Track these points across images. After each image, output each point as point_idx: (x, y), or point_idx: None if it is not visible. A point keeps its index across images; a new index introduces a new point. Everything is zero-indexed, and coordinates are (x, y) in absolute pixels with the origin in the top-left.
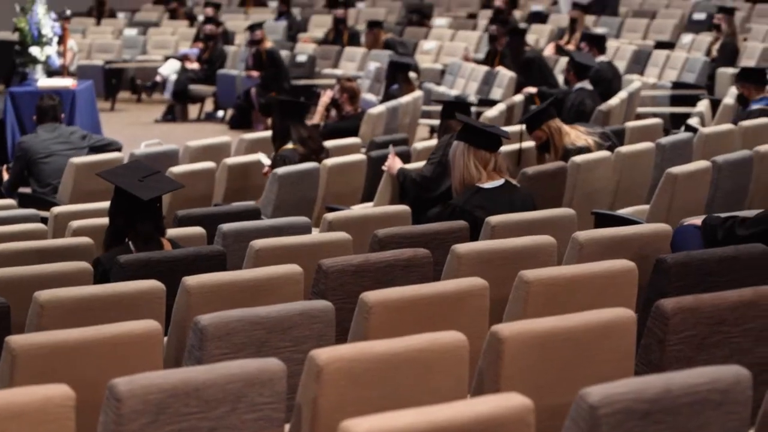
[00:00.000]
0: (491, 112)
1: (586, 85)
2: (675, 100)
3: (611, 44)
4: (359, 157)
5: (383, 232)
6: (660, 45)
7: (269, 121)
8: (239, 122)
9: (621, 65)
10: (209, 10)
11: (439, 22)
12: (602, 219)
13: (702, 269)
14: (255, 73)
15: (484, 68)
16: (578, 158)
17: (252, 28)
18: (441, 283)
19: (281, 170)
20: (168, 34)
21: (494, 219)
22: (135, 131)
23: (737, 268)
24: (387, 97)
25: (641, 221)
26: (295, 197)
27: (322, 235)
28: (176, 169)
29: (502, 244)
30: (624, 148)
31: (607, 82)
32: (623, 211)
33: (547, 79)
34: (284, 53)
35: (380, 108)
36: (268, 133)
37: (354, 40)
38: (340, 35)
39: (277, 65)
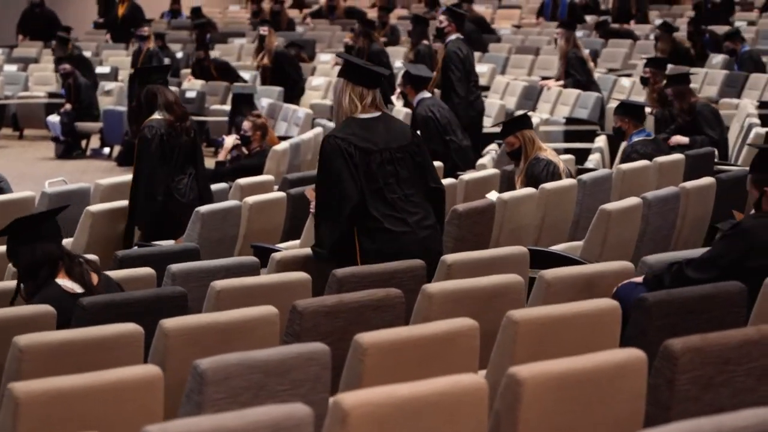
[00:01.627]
0: None
1: (425, 94)
2: (569, 136)
3: (499, 80)
4: (279, 194)
5: (342, 272)
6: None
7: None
8: (128, 159)
9: (511, 101)
10: (58, 49)
11: (324, 57)
12: (538, 256)
13: (682, 308)
14: None
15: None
16: (505, 195)
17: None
18: (432, 324)
19: (204, 209)
20: (49, 70)
21: (450, 258)
22: (21, 168)
23: (716, 305)
24: (232, 128)
25: (575, 257)
26: (217, 235)
27: (282, 276)
28: (94, 208)
29: (473, 284)
30: (548, 185)
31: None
32: (556, 248)
33: None
34: (173, 89)
35: (284, 145)
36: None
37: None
38: (206, 72)
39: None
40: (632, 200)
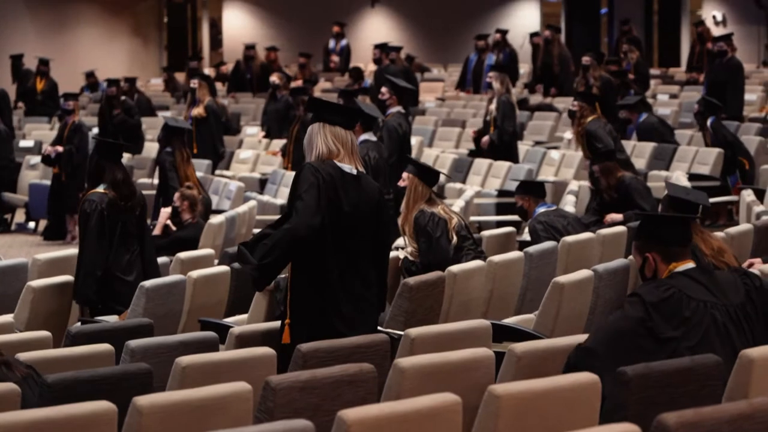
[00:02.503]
0: None
1: (371, 136)
2: (501, 209)
3: (428, 152)
4: (223, 268)
5: (306, 347)
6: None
7: None
8: (54, 233)
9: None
10: None
11: (251, 130)
12: (495, 330)
13: (660, 381)
14: (59, 148)
15: None
16: (455, 268)
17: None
18: (416, 399)
19: (148, 283)
20: None
21: (413, 332)
22: None
23: (693, 378)
24: (158, 162)
25: (530, 330)
26: (162, 310)
27: (246, 351)
28: (35, 284)
29: (444, 358)
30: (497, 257)
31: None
32: (509, 321)
33: None
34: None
35: (219, 218)
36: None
37: None
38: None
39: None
40: (584, 273)
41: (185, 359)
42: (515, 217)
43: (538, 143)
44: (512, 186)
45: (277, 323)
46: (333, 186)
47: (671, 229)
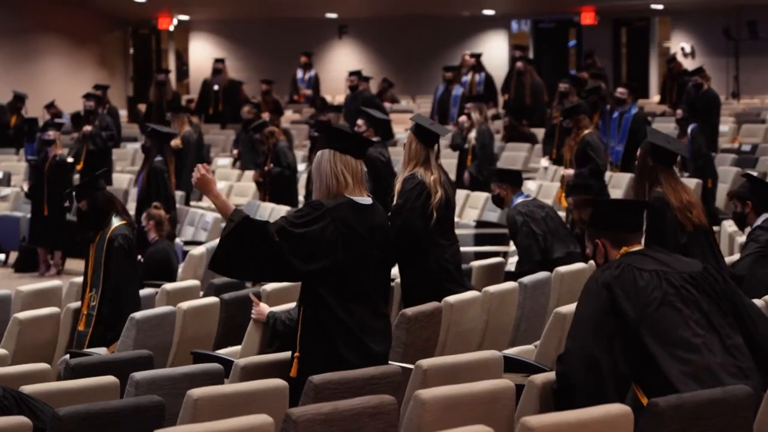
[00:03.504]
0: None
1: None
2: (479, 240)
3: None
4: (213, 300)
5: (319, 379)
6: None
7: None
8: (24, 265)
9: None
10: None
11: (222, 162)
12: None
13: (693, 413)
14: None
15: (286, 207)
16: (451, 298)
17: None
18: None
19: (138, 315)
20: None
21: (426, 363)
22: None
23: (725, 410)
24: (151, 171)
25: (531, 361)
26: (152, 342)
27: (258, 383)
28: (22, 316)
29: (465, 390)
30: (491, 288)
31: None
32: (509, 352)
33: None
34: None
35: (200, 249)
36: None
37: None
38: None
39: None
40: None
41: (197, 391)
42: (496, 248)
43: None
44: (490, 217)
45: (282, 354)
46: (345, 224)
47: (621, 216)
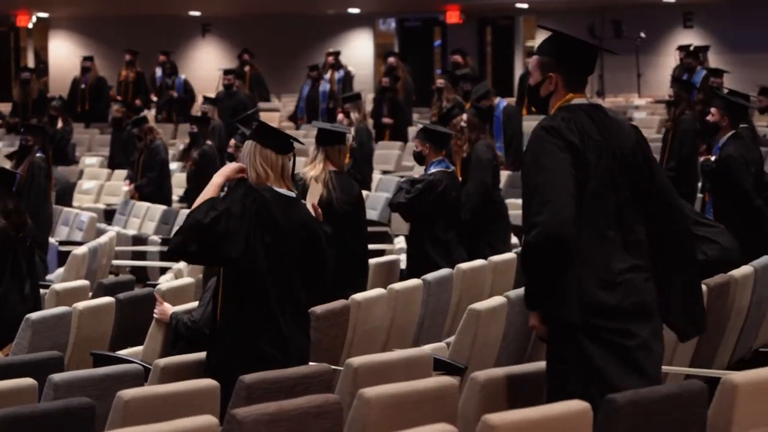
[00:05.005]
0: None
1: None
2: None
3: None
4: (108, 300)
5: (250, 379)
6: None
7: None
8: None
9: None
10: None
11: (90, 161)
12: None
13: (649, 408)
14: None
15: (162, 207)
16: (358, 296)
17: None
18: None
19: (34, 316)
20: None
21: (355, 361)
22: None
23: (680, 405)
24: (32, 165)
25: (446, 359)
26: (48, 343)
27: (189, 384)
28: None
29: (410, 387)
30: (397, 285)
31: None
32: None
33: None
34: None
35: (82, 249)
36: None
37: None
38: None
39: None
40: (497, 299)
41: (128, 393)
42: (376, 246)
43: (385, 172)
44: (370, 214)
45: (201, 354)
46: (266, 208)
47: (584, 55)
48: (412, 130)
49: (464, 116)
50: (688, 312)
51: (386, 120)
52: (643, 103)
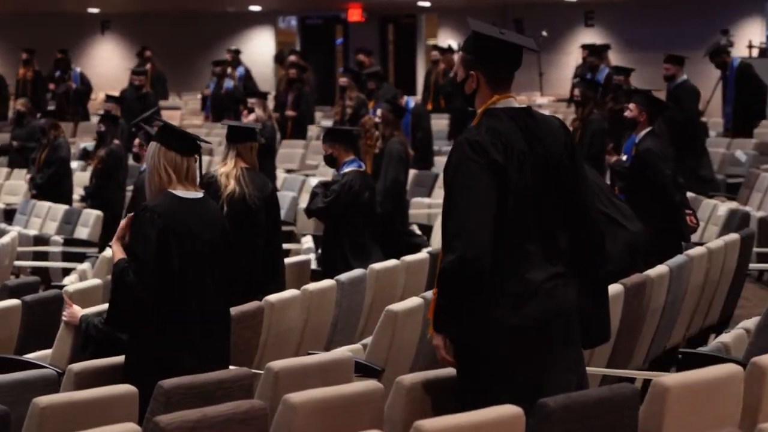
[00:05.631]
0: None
1: None
2: None
3: None
4: (15, 302)
5: (169, 384)
6: None
7: None
8: None
9: None
10: None
11: None
12: None
13: (581, 412)
14: None
15: (64, 207)
16: (272, 297)
17: None
18: None
19: None
20: None
21: (276, 365)
22: None
23: (612, 408)
24: None
25: (363, 361)
26: None
27: (108, 390)
28: None
29: (336, 392)
30: (311, 286)
31: None
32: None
33: None
34: None
35: None
36: None
37: None
38: None
39: None
40: (414, 300)
41: (44, 400)
42: (287, 245)
43: (289, 171)
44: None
45: (117, 359)
46: (174, 220)
47: (503, 53)
48: (313, 130)
49: (378, 113)
50: (597, 320)
51: (290, 113)
52: (546, 101)
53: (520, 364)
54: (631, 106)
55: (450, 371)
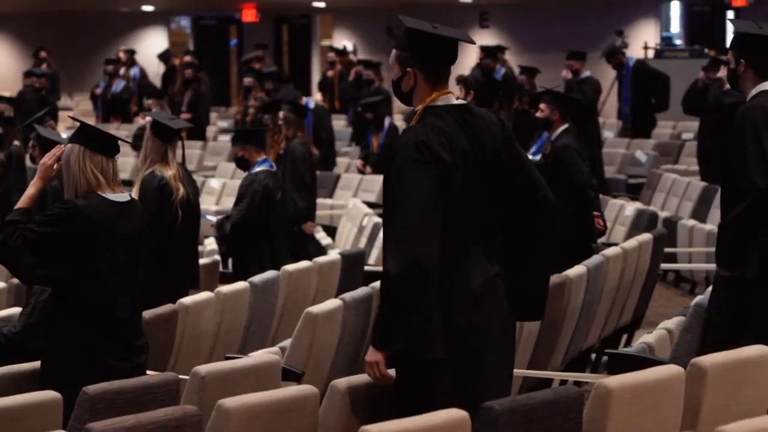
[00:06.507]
0: None
1: None
2: None
3: None
4: None
5: (94, 390)
6: None
7: None
8: None
9: None
10: None
11: None
12: None
13: (526, 415)
14: None
15: None
16: (186, 300)
17: None
18: None
19: None
20: None
21: (203, 369)
22: None
23: (557, 411)
24: None
25: (284, 365)
26: None
27: (32, 396)
28: None
29: (271, 397)
30: (224, 288)
31: None
32: (256, 355)
33: None
34: None
35: None
36: None
37: None
38: None
39: None
40: (333, 302)
41: None
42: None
43: None
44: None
45: (33, 365)
46: (105, 222)
47: (439, 48)
48: (211, 131)
49: (280, 114)
50: (538, 298)
51: (184, 116)
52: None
53: (462, 364)
54: (542, 106)
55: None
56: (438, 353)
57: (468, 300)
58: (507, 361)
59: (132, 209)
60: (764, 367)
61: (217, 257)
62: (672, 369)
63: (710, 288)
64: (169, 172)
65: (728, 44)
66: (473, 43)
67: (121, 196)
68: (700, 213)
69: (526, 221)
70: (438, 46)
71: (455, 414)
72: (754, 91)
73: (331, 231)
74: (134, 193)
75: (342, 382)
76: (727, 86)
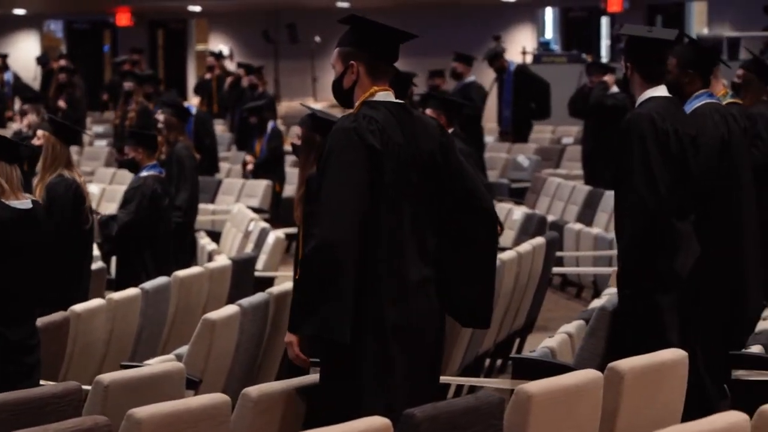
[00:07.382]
0: None
1: None
2: None
3: None
4: None
5: None
6: None
7: None
8: None
9: None
10: None
11: None
12: None
13: (448, 422)
14: None
15: None
16: (77, 307)
17: None
18: None
19: None
20: None
21: (106, 378)
22: None
23: (478, 417)
24: None
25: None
26: None
27: None
28: None
29: (184, 405)
30: (115, 295)
31: None
32: (152, 362)
33: None
34: None
35: None
36: None
37: None
38: None
39: None
40: (231, 308)
41: None
42: None
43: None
44: None
45: None
46: (15, 231)
47: (384, 41)
48: (86, 136)
49: (161, 117)
50: (484, 305)
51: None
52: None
53: (386, 358)
54: (428, 111)
55: (299, 381)
56: (368, 344)
57: (402, 295)
58: (431, 365)
59: (35, 216)
60: (679, 370)
61: (102, 264)
62: (590, 374)
63: (602, 292)
64: (77, 177)
65: (604, 49)
66: (416, 37)
67: (25, 204)
68: (585, 216)
69: (465, 229)
70: (382, 38)
71: (377, 421)
72: (642, 98)
73: (215, 236)
74: (38, 198)
75: (253, 390)
76: (613, 89)
